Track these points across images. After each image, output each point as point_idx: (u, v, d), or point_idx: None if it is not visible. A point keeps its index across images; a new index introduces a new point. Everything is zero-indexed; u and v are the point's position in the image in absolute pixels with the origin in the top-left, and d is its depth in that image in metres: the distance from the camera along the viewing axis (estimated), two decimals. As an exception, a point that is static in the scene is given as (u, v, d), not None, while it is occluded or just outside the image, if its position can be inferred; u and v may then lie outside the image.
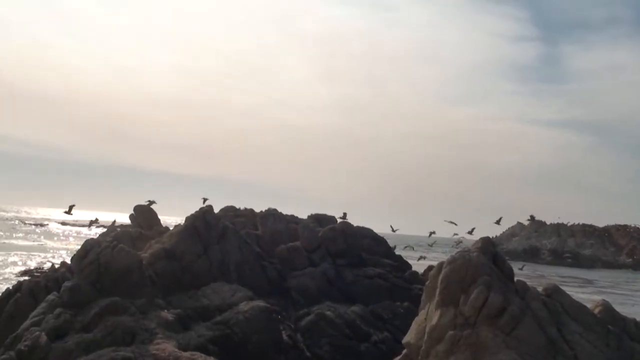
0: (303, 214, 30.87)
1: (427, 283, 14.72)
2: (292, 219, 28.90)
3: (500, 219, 25.75)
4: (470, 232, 25.37)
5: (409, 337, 13.97)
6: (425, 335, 13.35)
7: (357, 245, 27.01)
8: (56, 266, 25.57)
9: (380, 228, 30.12)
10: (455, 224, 28.11)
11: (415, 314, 14.67)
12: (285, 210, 29.35)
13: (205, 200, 26.10)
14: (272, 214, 27.85)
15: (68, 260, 25.09)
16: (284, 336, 20.24)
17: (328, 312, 21.55)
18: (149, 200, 29.43)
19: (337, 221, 29.39)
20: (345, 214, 29.01)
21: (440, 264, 14.26)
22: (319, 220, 30.02)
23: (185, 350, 16.98)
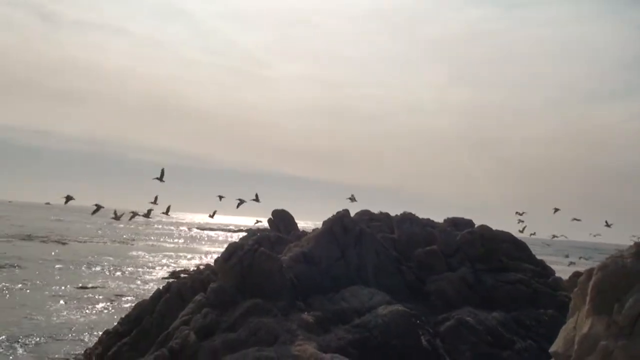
0: (435, 218, 30.36)
1: (575, 290, 13.93)
2: (428, 223, 28.51)
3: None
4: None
5: (556, 347, 13.27)
6: (575, 345, 12.63)
7: (497, 249, 26.14)
8: (201, 268, 26.75)
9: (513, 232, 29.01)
10: (579, 220, 26.96)
11: (561, 322, 13.92)
12: (417, 213, 29.04)
13: (221, 197, 26.50)
14: (408, 218, 27.62)
15: (211, 263, 26.22)
16: (423, 341, 19.93)
17: (468, 318, 20.99)
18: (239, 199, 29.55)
19: (474, 225, 28.67)
20: (353, 196, 28.10)
21: (590, 270, 13.42)
22: (456, 223, 29.40)
23: (325, 352, 17.19)
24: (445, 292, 23.85)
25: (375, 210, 30.99)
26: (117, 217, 28.08)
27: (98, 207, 26.90)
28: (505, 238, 27.32)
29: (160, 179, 26.14)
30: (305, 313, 19.55)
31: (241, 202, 28.11)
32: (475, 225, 28.50)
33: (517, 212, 28.30)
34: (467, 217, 30.13)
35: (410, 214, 28.25)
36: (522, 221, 27.68)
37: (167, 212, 27.06)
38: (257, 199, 28.10)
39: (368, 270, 23.71)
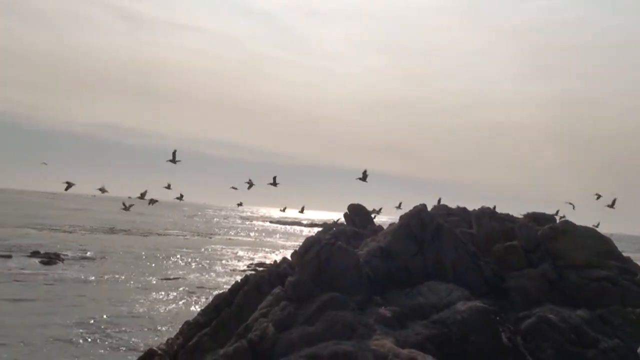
0: (513, 213, 29.59)
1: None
2: (508, 218, 27.81)
3: None
4: None
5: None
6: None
7: (581, 245, 25.23)
8: (278, 261, 27.08)
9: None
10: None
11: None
12: (498, 209, 28.40)
13: (250, 184, 26.49)
14: (487, 213, 27.03)
15: (287, 256, 26.50)
16: (503, 338, 19.50)
17: (551, 315, 20.35)
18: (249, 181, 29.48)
19: (556, 220, 27.79)
20: (365, 173, 27.31)
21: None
22: (537, 218, 28.51)
23: (402, 347, 17.08)
24: (525, 289, 23.22)
25: (452, 204, 30.56)
26: (126, 208, 29.02)
27: (102, 190, 28.05)
28: (589, 234, 26.31)
29: (173, 160, 26.61)
30: (383, 308, 19.46)
31: (251, 184, 28.19)
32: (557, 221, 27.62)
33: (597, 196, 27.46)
34: (547, 212, 29.26)
35: (489, 208, 27.65)
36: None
37: (146, 200, 27.94)
38: (274, 183, 28.00)
39: (446, 266, 23.36)
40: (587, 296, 22.84)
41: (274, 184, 28.57)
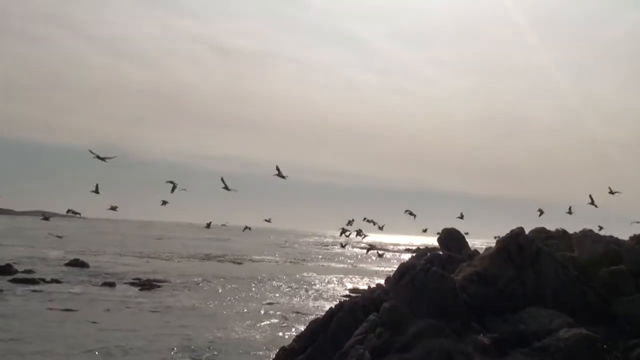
0: (619, 236, 28.15)
1: None
2: (612, 240, 26.50)
3: None
4: None
5: None
6: None
7: (694, 268, 23.73)
8: (372, 287, 26.90)
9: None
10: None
11: None
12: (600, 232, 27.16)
13: (172, 186, 26.22)
14: (589, 235, 25.90)
15: (381, 282, 26.31)
16: (612, 368, 18.53)
17: (663, 344, 19.19)
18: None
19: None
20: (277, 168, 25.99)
21: None
22: (645, 241, 27.10)
23: (504, 376, 16.54)
24: (635, 316, 21.97)
25: (550, 227, 29.46)
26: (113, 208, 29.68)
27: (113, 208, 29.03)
28: None
29: (226, 187, 26.78)
30: (481, 335, 18.95)
31: (174, 186, 27.59)
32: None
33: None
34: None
35: (591, 231, 26.48)
36: None
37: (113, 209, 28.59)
38: (226, 187, 27.12)
39: (546, 291, 22.50)
40: (703, 323, 21.40)
41: (174, 185, 28.15)
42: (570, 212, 25.73)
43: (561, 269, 23.37)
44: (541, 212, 25.28)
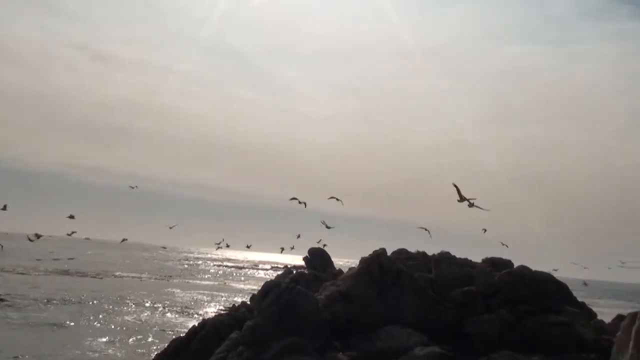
0: (475, 258, 29.82)
1: (618, 334, 13.57)
2: (467, 262, 28.01)
3: None
4: None
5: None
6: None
7: (538, 290, 25.54)
8: (237, 305, 26.75)
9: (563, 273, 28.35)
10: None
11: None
12: (456, 253, 28.60)
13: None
14: (446, 257, 27.20)
15: (247, 300, 26.23)
16: (462, 384, 19.50)
17: (508, 361, 20.46)
18: None
19: (513, 265, 28.11)
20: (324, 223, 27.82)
21: (634, 314, 13.12)
22: (495, 263, 28.84)
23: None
24: (484, 334, 23.32)
25: (412, 248, 30.65)
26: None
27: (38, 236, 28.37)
28: (546, 278, 26.70)
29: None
30: (341, 353, 19.33)
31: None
32: (515, 265, 27.92)
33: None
34: (513, 256, 29.44)
35: (448, 253, 27.83)
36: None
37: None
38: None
39: (406, 310, 23.38)
40: (544, 341, 23.02)
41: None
42: (428, 232, 26.96)
43: (420, 289, 24.38)
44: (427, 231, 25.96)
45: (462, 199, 19.42)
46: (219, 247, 39.11)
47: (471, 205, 19.82)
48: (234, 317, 23.82)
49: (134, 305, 59.95)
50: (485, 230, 28.07)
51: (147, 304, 61.45)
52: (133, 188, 27.12)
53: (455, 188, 19.59)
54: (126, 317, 50.33)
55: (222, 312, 36.12)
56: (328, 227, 28.10)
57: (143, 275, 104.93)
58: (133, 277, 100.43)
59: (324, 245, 32.36)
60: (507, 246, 30.90)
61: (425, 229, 27.24)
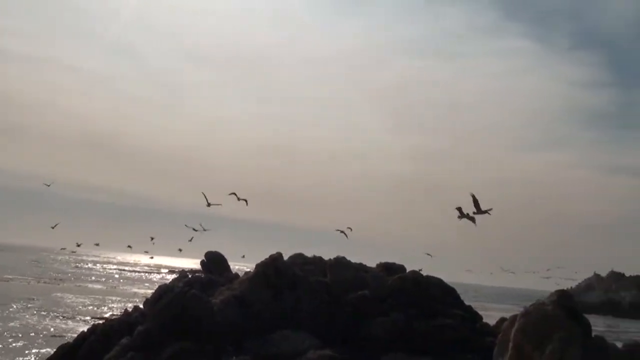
0: (372, 263, 30.53)
1: (499, 336, 14.30)
2: (361, 267, 28.61)
3: None
4: None
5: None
6: (500, 390, 12.95)
7: (428, 294, 26.47)
8: (129, 310, 26.10)
9: (453, 277, 29.55)
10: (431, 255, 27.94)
11: (488, 367, 14.22)
12: (354, 258, 29.14)
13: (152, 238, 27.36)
14: (340, 262, 27.66)
15: (141, 305, 25.62)
16: (353, 386, 19.90)
17: (398, 363, 21.07)
18: None
19: (405, 270, 28.97)
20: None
21: (514, 317, 13.86)
22: (388, 268, 29.64)
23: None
24: (376, 337, 23.90)
25: (309, 253, 30.92)
26: None
27: None
28: (436, 283, 27.72)
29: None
30: (234, 357, 19.28)
31: None
32: (407, 270, 28.79)
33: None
34: (410, 261, 30.31)
35: (343, 258, 28.30)
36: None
37: None
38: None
39: (301, 315, 23.60)
40: (433, 343, 23.88)
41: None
42: (345, 234, 27.64)
43: (315, 294, 24.68)
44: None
45: (479, 211, 18.30)
46: (78, 245, 38.64)
47: (472, 218, 18.85)
48: (125, 322, 23.24)
49: (20, 310, 57.20)
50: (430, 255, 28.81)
51: (34, 309, 58.75)
52: (48, 185, 26.66)
53: (472, 198, 18.19)
54: (11, 323, 47.92)
55: (114, 316, 35.08)
56: (196, 230, 28.41)
57: (30, 279, 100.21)
58: (21, 280, 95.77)
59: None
60: (431, 256, 31.90)
61: (342, 232, 27.80)
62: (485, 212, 17.77)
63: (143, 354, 18.78)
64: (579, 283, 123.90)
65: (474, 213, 17.89)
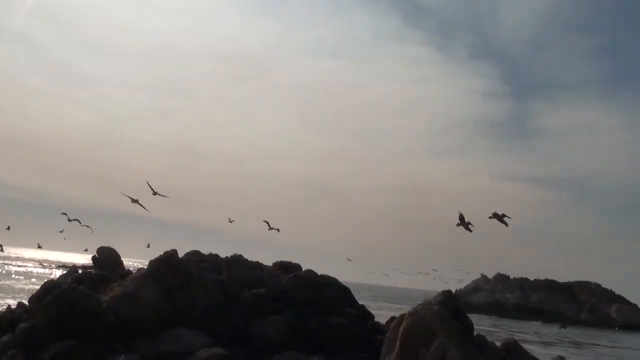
0: (269, 262, 30.59)
1: (387, 334, 14.70)
2: (258, 266, 28.61)
3: None
4: None
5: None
6: (386, 388, 13.30)
7: (322, 293, 26.81)
8: (12, 307, 24.88)
9: (349, 277, 30.06)
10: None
11: (377, 365, 14.60)
12: (251, 257, 29.10)
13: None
14: (237, 260, 27.55)
15: (25, 301, 24.49)
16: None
17: (289, 361, 21.25)
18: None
19: (301, 269, 29.21)
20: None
21: (402, 316, 14.27)
22: (284, 267, 29.78)
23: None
24: (270, 336, 23.95)
25: (205, 251, 30.58)
26: None
27: None
28: (330, 282, 28.10)
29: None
30: (122, 356, 18.81)
31: None
32: (303, 269, 29.04)
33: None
34: (307, 260, 30.59)
35: (240, 256, 28.20)
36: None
37: None
38: None
39: (195, 313, 23.30)
40: (325, 342, 24.22)
41: None
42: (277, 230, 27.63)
43: (209, 292, 24.43)
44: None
45: (463, 224, 18.94)
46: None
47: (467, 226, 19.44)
48: (7, 318, 22.15)
49: None
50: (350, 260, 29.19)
51: None
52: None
53: (459, 216, 18.88)
54: None
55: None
56: (71, 220, 28.00)
57: None
58: None
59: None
60: (350, 260, 32.40)
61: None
62: (468, 227, 18.90)
63: (25, 352, 17.97)
64: (467, 284, 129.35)
65: (457, 225, 18.93)
